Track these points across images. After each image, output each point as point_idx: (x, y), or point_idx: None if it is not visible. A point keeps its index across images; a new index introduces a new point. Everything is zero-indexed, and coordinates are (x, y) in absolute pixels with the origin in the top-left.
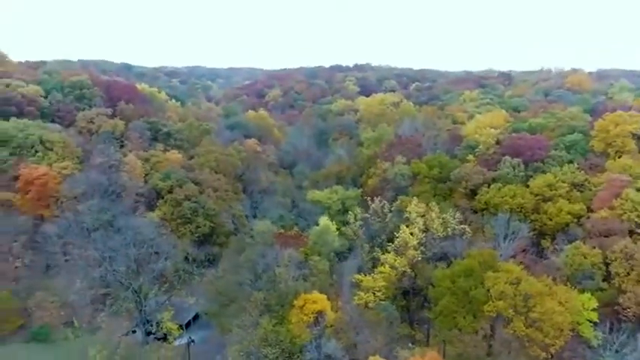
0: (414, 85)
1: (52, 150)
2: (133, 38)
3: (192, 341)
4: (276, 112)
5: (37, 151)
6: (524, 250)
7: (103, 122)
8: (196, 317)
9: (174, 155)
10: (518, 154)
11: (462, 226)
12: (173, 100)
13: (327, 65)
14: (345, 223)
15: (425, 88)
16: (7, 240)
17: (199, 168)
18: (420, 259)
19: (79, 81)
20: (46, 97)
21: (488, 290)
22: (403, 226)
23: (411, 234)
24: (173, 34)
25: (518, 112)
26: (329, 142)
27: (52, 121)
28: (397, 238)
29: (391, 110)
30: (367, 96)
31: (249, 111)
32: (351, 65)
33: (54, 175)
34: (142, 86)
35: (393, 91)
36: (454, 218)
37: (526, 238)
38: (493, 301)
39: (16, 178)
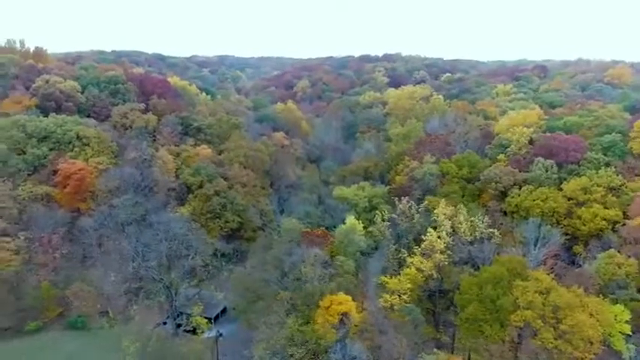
0: (444, 76)
1: (88, 145)
2: (166, 28)
3: (221, 335)
4: (305, 104)
5: (74, 147)
6: (554, 256)
7: (136, 117)
8: (224, 310)
9: (205, 150)
10: (552, 155)
11: (490, 229)
12: (204, 94)
13: (356, 55)
14: (372, 221)
15: (456, 80)
16: (47, 232)
17: (229, 163)
18: (446, 263)
19: (114, 76)
20: (82, 93)
21: (517, 299)
22: (430, 229)
23: (439, 237)
24: (205, 23)
25: (554, 107)
26: (356, 136)
27: (88, 116)
28: (424, 241)
29: (420, 105)
30: (396, 87)
31: (278, 103)
32: (380, 55)
33: (90, 170)
34: (173, 79)
35: (423, 81)
36: (482, 222)
37: (557, 244)
38: (521, 311)
39: (55, 172)
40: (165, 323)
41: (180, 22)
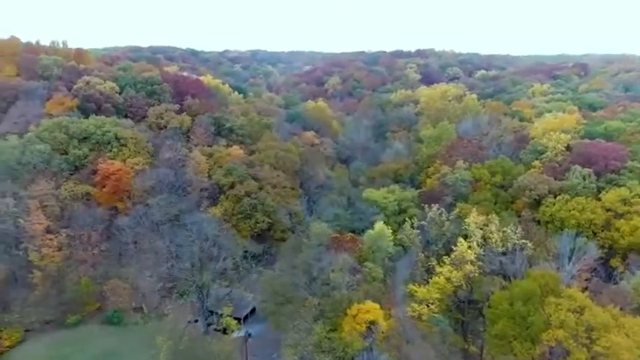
0: (479, 73)
1: (125, 146)
2: (201, 22)
3: (250, 335)
4: (335, 101)
5: (112, 147)
6: (590, 271)
7: (171, 118)
8: (253, 310)
9: (236, 151)
10: (590, 163)
11: (523, 240)
12: (236, 93)
13: (388, 50)
14: (401, 225)
15: (491, 78)
16: (87, 230)
17: (259, 164)
18: (476, 274)
19: (150, 77)
20: (120, 93)
21: (549, 317)
22: (461, 239)
23: (469, 247)
24: (238, 17)
25: (594, 109)
26: (387, 135)
27: (126, 117)
28: (454, 250)
29: (453, 105)
30: (429, 84)
31: (309, 101)
32: (412, 50)
33: (127, 170)
34: (207, 78)
35: (457, 78)
36: (515, 233)
37: (593, 258)
38: (553, 330)
39: (95, 172)
40: (196, 321)
41: (215, 16)
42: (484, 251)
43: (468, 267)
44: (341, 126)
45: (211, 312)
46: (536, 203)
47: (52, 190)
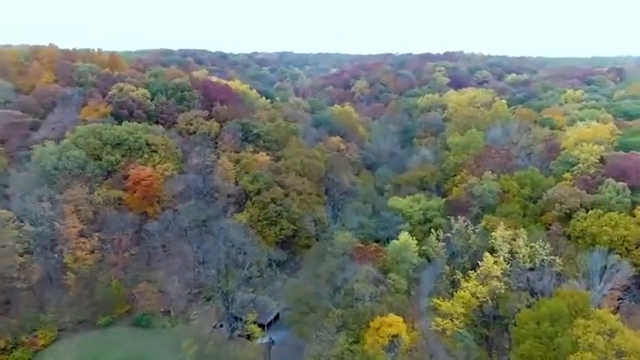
0: (509, 76)
1: (156, 152)
2: (231, 24)
3: (273, 342)
4: (362, 105)
5: (144, 153)
6: (623, 291)
7: (200, 124)
8: (277, 317)
9: (263, 157)
10: (625, 176)
11: (551, 257)
12: (263, 98)
13: (416, 52)
14: (426, 234)
15: (521, 83)
16: (118, 234)
17: (285, 171)
18: (502, 290)
19: (180, 83)
20: (152, 100)
21: (577, 339)
22: (487, 254)
23: (495, 262)
24: (267, 18)
25: (630, 118)
26: (413, 141)
27: (157, 122)
28: (480, 265)
29: (482, 112)
30: (457, 88)
31: (335, 105)
32: (441, 53)
33: (157, 176)
34: (235, 84)
35: (486, 82)
36: (544, 248)
37: (626, 277)
38: (581, 353)
39: (126, 177)
40: (221, 326)
41: (246, 17)
42: (511, 266)
43: (494, 283)
44: (367, 131)
45: (236, 318)
46: (567, 217)
47: (86, 195)
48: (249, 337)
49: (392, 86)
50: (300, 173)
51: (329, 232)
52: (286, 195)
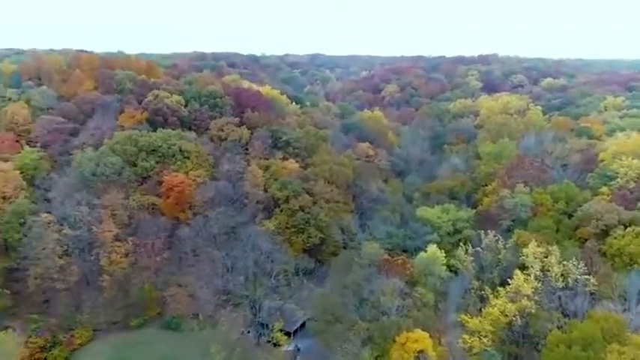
0: (544, 81)
1: (188, 159)
2: (264, 26)
3: (299, 349)
4: (392, 109)
5: (177, 160)
6: None
7: (231, 131)
8: (303, 325)
9: (292, 164)
10: None
11: (585, 276)
12: (293, 103)
13: (448, 55)
14: (455, 245)
15: (558, 89)
16: (151, 238)
17: (314, 178)
18: (533, 310)
19: (213, 90)
20: (185, 106)
21: None
22: (517, 272)
23: (525, 280)
24: (300, 20)
25: None
26: (444, 148)
27: (190, 129)
28: (510, 283)
29: (515, 120)
30: (490, 92)
31: (365, 110)
32: (475, 56)
33: (189, 182)
34: (265, 89)
35: (521, 86)
36: (577, 267)
37: None
38: None
39: (160, 183)
40: (248, 332)
41: (278, 19)
42: (542, 285)
43: (524, 302)
44: (397, 136)
45: (262, 324)
46: (603, 234)
47: (121, 200)
48: (275, 344)
49: (423, 90)
50: (329, 181)
51: (356, 241)
52: (314, 203)
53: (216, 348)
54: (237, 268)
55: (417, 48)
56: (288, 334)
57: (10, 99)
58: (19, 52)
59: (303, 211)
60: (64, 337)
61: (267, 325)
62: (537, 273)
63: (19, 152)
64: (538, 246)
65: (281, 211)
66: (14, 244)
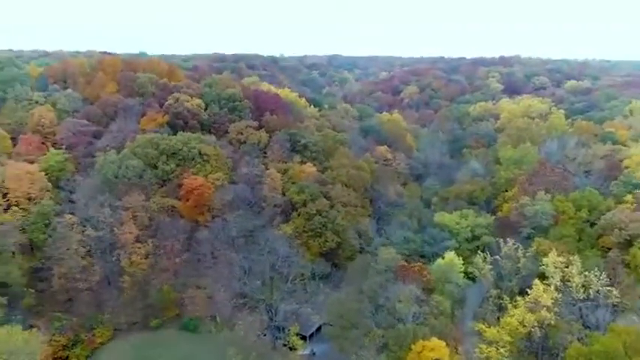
0: (568, 83)
1: (208, 162)
2: (284, 27)
3: (314, 354)
4: (411, 111)
5: (196, 163)
6: None
7: (250, 134)
8: (319, 329)
9: (310, 168)
10: None
11: (607, 288)
12: (312, 106)
13: (469, 56)
14: (474, 252)
15: (581, 92)
16: (171, 240)
17: (331, 182)
18: (552, 321)
19: (233, 94)
20: (205, 109)
21: None
22: (537, 282)
23: (545, 290)
24: (319, 20)
25: None
26: (463, 151)
27: (209, 132)
28: (529, 293)
29: (537, 124)
30: (512, 95)
31: (384, 112)
32: (496, 57)
33: (208, 185)
34: (284, 92)
35: (543, 88)
36: (599, 279)
37: None
38: None
39: (180, 186)
40: (264, 335)
41: (297, 19)
42: (562, 295)
43: (543, 313)
44: (415, 139)
45: (278, 328)
46: (627, 244)
47: (142, 202)
48: (291, 348)
49: (443, 92)
50: (346, 184)
51: (373, 246)
52: (331, 207)
53: (233, 351)
54: (254, 272)
55: (437, 49)
56: (303, 337)
57: (36, 102)
58: (45, 54)
59: (320, 215)
60: (86, 336)
61: (283, 329)
62: (557, 283)
63: (45, 154)
64: (559, 255)
65: (298, 214)
66: (39, 244)
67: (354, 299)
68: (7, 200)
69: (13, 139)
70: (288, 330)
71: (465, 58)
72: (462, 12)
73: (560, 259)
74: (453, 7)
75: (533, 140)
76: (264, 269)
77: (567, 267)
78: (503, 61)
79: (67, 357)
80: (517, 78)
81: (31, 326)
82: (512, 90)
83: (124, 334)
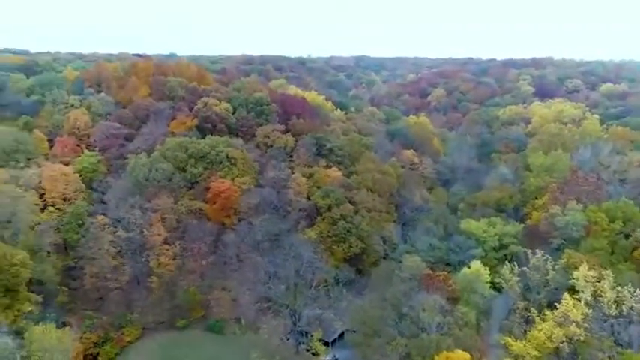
0: (603, 86)
1: (235, 166)
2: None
3: None
4: (438, 114)
5: (224, 167)
6: None
7: (276, 138)
8: (342, 334)
9: (335, 172)
10: None
11: None
12: (338, 110)
13: (499, 58)
14: (501, 261)
15: (617, 95)
16: (198, 243)
17: (356, 187)
18: (582, 337)
19: (260, 98)
20: (233, 113)
21: None
22: (566, 296)
23: (575, 305)
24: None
25: None
26: (492, 156)
27: (236, 135)
28: (557, 307)
29: (569, 130)
30: (543, 98)
31: (410, 115)
32: (528, 58)
33: (235, 189)
34: (311, 95)
35: (577, 91)
36: (633, 295)
37: None
38: None
39: (207, 189)
40: (288, 339)
41: (325, 19)
42: (593, 311)
43: (572, 329)
44: (443, 143)
45: (301, 332)
46: None
47: (171, 205)
48: (314, 353)
49: (471, 95)
50: (371, 190)
51: (397, 252)
52: (356, 212)
53: (256, 354)
54: (279, 276)
55: (466, 50)
56: (326, 343)
57: (72, 105)
58: (80, 57)
59: (344, 220)
60: (115, 334)
61: (306, 334)
62: (588, 298)
63: (79, 156)
64: (590, 269)
65: (323, 219)
66: (73, 243)
67: (377, 306)
68: (44, 201)
69: (50, 142)
70: (311, 335)
71: (495, 60)
72: (493, 12)
73: (592, 272)
74: (483, 7)
75: (566, 147)
76: (288, 274)
77: (599, 281)
78: (535, 62)
79: (98, 354)
80: (549, 80)
81: (64, 323)
82: (543, 93)
83: (151, 333)
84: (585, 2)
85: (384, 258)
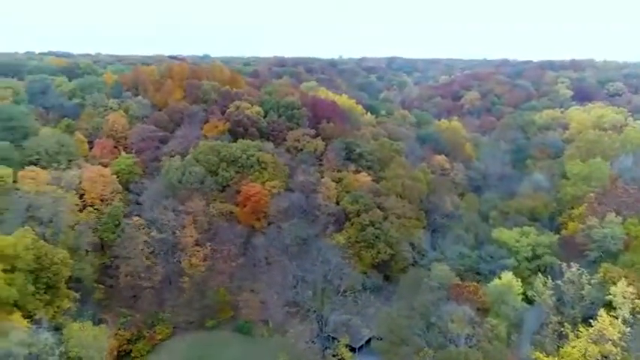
0: None
1: (265, 169)
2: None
3: None
4: (471, 118)
5: (254, 170)
6: None
7: (306, 142)
8: (368, 341)
9: (364, 177)
10: None
11: None
12: (368, 114)
13: (535, 59)
14: (534, 272)
15: None
16: (228, 245)
17: (385, 193)
18: (619, 357)
19: (291, 102)
20: (264, 117)
21: None
22: (602, 313)
23: (611, 323)
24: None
25: None
26: (526, 162)
27: (267, 139)
28: (593, 324)
29: (610, 136)
30: (582, 102)
31: (442, 119)
32: (566, 60)
33: (265, 193)
34: (341, 99)
35: (618, 95)
36: None
37: None
38: None
39: (238, 192)
40: (314, 343)
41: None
42: (632, 329)
43: (608, 347)
44: (475, 148)
45: (328, 337)
46: None
47: (203, 207)
48: (340, 359)
49: (506, 98)
50: (401, 195)
51: (427, 259)
52: (385, 218)
53: (284, 357)
54: (307, 281)
55: (501, 51)
56: (352, 349)
57: (111, 108)
58: (118, 60)
59: (373, 225)
60: (147, 332)
61: (332, 339)
62: (626, 315)
63: (117, 158)
64: (629, 285)
65: (351, 224)
66: (109, 243)
67: (404, 315)
68: (83, 201)
69: (90, 143)
70: (338, 341)
71: (531, 62)
72: (530, 12)
73: (631, 289)
74: (519, 7)
75: (605, 154)
76: (316, 278)
77: (638, 298)
78: (574, 64)
79: (131, 351)
80: (589, 83)
81: (100, 320)
82: (582, 97)
83: (181, 332)
84: (630, 2)
85: (413, 265)
